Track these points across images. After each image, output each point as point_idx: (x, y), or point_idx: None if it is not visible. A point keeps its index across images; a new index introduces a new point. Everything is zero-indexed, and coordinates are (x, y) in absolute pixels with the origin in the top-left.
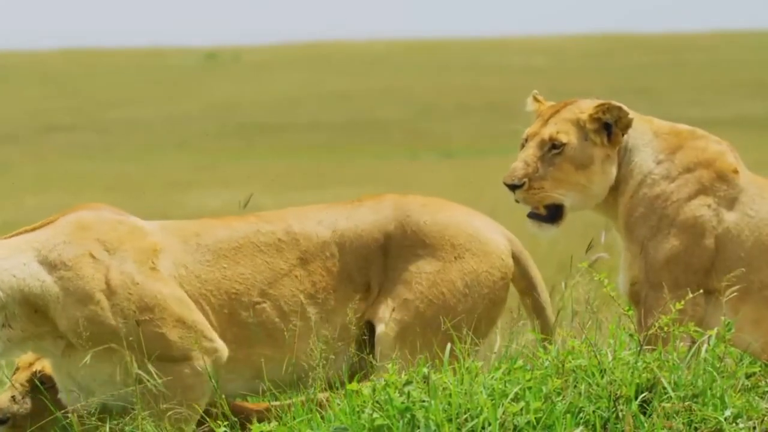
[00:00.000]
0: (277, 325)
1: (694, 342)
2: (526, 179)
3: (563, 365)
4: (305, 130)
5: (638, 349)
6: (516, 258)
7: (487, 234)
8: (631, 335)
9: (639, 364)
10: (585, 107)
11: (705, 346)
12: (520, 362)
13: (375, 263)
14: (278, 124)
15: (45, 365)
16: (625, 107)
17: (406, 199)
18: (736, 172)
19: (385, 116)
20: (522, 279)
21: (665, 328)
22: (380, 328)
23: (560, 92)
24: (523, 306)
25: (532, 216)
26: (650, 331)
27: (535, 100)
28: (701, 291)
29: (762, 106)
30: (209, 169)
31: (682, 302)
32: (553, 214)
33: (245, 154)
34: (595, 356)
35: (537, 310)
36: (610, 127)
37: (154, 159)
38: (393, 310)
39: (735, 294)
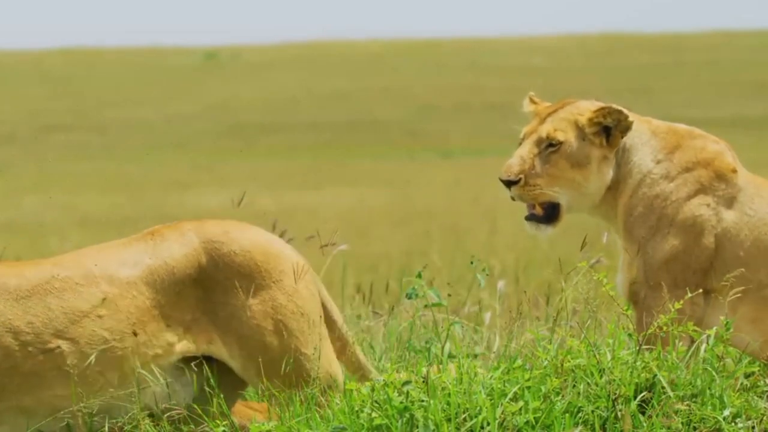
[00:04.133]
0: (78, 364)
1: (693, 342)
2: (522, 176)
3: (562, 365)
4: (304, 130)
5: (637, 348)
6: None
7: (281, 248)
8: (630, 335)
9: (638, 363)
10: (584, 108)
11: (704, 345)
12: (518, 362)
13: (190, 298)
14: (277, 123)
15: None
16: (625, 111)
17: (206, 227)
18: (734, 171)
19: (383, 116)
20: None
21: (664, 328)
22: (235, 367)
23: (559, 92)
24: None
25: (530, 218)
26: (649, 331)
27: (532, 101)
28: (700, 291)
29: (762, 107)
30: (208, 169)
31: (681, 302)
32: (550, 214)
33: (244, 153)
34: (594, 356)
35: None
36: (609, 129)
37: (153, 159)
38: (236, 348)
39: (736, 294)
